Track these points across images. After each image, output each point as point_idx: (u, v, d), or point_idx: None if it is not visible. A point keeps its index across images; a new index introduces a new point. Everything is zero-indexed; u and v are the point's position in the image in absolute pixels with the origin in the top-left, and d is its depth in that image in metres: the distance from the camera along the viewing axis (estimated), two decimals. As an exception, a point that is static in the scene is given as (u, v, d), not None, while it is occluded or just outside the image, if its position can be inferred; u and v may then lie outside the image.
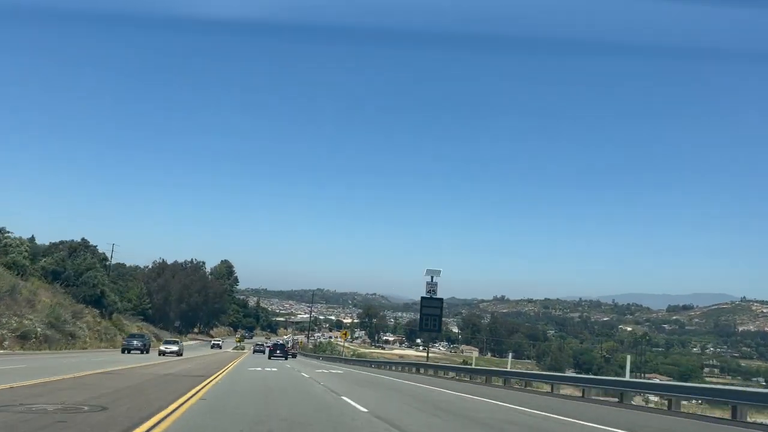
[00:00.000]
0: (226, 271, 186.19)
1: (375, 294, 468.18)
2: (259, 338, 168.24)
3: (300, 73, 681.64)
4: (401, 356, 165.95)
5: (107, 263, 70.18)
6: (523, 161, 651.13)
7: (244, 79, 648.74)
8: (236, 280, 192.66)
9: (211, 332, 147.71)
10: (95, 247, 67.24)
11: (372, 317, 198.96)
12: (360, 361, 63.61)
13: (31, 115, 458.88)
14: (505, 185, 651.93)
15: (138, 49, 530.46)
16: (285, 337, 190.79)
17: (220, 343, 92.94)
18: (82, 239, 65.96)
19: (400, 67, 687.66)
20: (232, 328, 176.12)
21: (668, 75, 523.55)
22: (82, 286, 55.24)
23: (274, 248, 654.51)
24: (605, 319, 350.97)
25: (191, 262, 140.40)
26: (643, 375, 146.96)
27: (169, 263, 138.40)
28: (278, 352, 61.25)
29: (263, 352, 77.75)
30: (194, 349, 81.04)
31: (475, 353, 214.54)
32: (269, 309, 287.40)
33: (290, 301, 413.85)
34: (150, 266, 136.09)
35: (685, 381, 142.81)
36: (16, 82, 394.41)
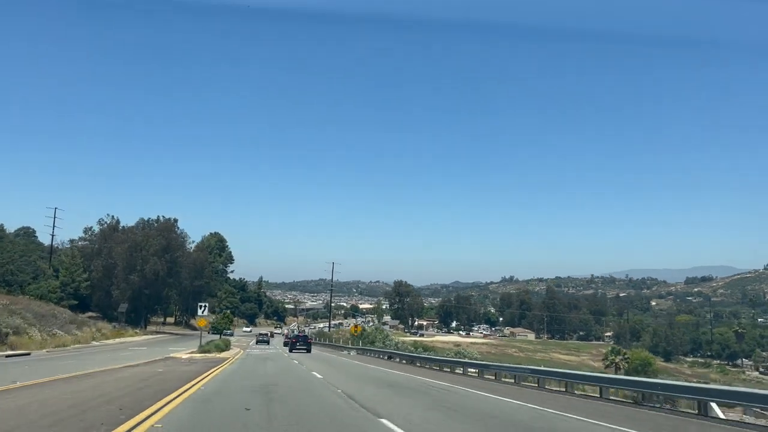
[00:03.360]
0: (216, 245, 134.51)
1: (378, 281, 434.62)
2: (267, 329, 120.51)
3: (298, 54, 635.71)
4: (457, 344, 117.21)
5: None
6: (522, 140, 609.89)
7: (247, 59, 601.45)
8: (230, 257, 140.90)
9: (192, 321, 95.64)
10: None
11: (404, 296, 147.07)
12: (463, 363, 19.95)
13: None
14: (507, 166, 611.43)
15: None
16: (292, 325, 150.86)
17: None
18: None
19: (400, 53, 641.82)
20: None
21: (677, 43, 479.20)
22: None
23: (272, 241, 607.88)
24: (623, 294, 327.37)
25: (157, 219, 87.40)
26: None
27: (127, 226, 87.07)
28: (299, 344, 50.70)
29: (267, 342, 67.87)
30: (103, 352, 31.10)
31: (531, 336, 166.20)
32: (274, 298, 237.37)
33: (293, 292, 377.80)
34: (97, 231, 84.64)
35: None
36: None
